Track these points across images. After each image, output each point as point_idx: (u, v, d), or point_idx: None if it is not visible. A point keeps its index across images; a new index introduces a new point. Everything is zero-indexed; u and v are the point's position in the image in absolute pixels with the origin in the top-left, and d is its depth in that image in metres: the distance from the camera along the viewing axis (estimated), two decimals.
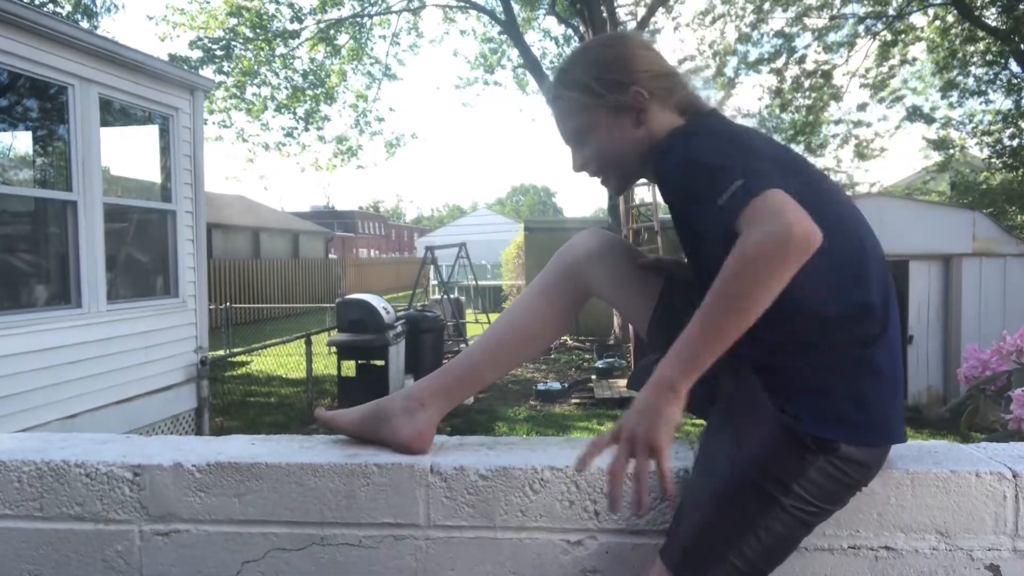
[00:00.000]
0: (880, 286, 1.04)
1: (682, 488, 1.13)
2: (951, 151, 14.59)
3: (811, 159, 15.68)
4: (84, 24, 12.32)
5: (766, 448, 1.00)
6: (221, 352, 9.95)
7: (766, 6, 13.71)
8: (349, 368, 7.78)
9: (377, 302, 7.70)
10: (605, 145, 1.19)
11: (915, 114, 14.39)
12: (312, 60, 14.79)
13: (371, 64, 15.61)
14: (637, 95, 1.14)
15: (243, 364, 10.70)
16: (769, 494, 0.99)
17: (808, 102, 14.57)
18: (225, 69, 13.51)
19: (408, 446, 1.23)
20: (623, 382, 9.00)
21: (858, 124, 15.39)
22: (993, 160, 14.40)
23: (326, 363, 9.30)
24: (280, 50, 14.15)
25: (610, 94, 1.15)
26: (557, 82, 1.22)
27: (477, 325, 13.37)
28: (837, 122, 15.54)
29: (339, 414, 1.32)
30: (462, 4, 14.83)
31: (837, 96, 14.58)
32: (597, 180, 1.26)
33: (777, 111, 14.45)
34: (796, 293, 0.93)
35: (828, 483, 1.00)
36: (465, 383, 1.28)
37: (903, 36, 13.81)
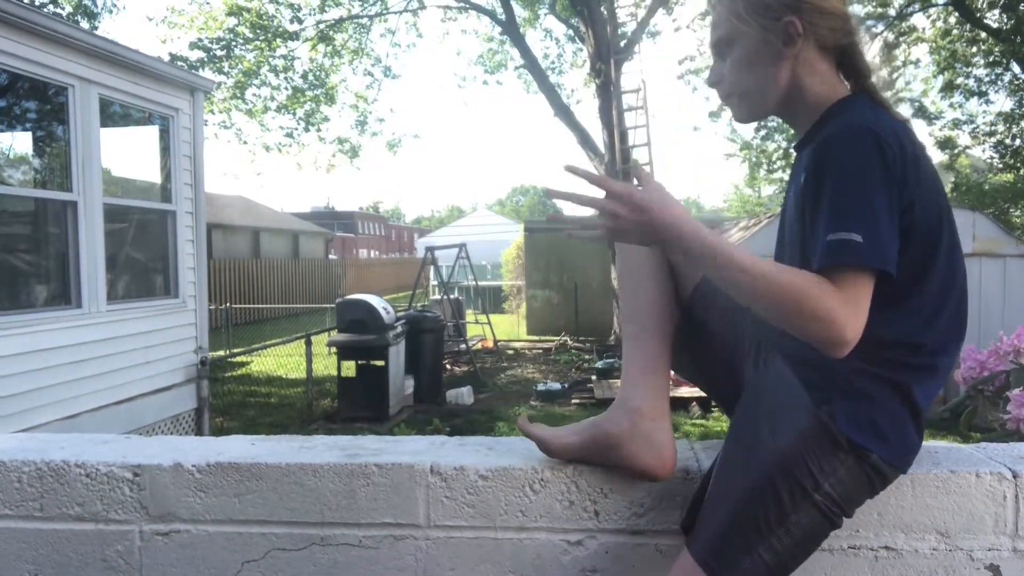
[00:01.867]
0: (943, 335, 1.03)
1: (709, 482, 1.11)
2: (955, 151, 14.59)
3: None
4: (84, 24, 12.32)
5: (802, 442, 1.00)
6: (221, 352, 9.95)
7: None
8: (349, 368, 7.78)
9: (377, 302, 7.70)
10: (741, 69, 1.11)
11: (920, 112, 14.37)
12: (312, 60, 14.79)
13: (372, 64, 15.62)
14: (790, 26, 1.05)
15: (243, 364, 10.69)
16: (802, 487, 0.99)
17: None
18: (225, 70, 13.51)
19: (654, 473, 1.12)
20: None
21: None
22: (994, 160, 14.40)
23: (326, 363, 9.30)
24: (280, 51, 14.16)
25: (759, 19, 1.07)
26: None
27: (477, 325, 13.36)
28: None
29: (553, 436, 1.18)
30: (462, 5, 14.84)
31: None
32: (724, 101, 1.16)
33: None
34: (875, 324, 0.97)
35: (854, 486, 1.00)
36: (665, 375, 1.17)
37: (904, 37, 13.80)
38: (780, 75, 1.08)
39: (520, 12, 14.66)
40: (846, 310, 0.91)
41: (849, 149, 0.96)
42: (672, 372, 1.20)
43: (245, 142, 14.85)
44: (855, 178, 0.95)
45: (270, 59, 14.01)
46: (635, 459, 1.11)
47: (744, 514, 1.00)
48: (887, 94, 1.15)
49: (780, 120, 1.24)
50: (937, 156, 15.44)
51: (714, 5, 1.14)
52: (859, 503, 1.03)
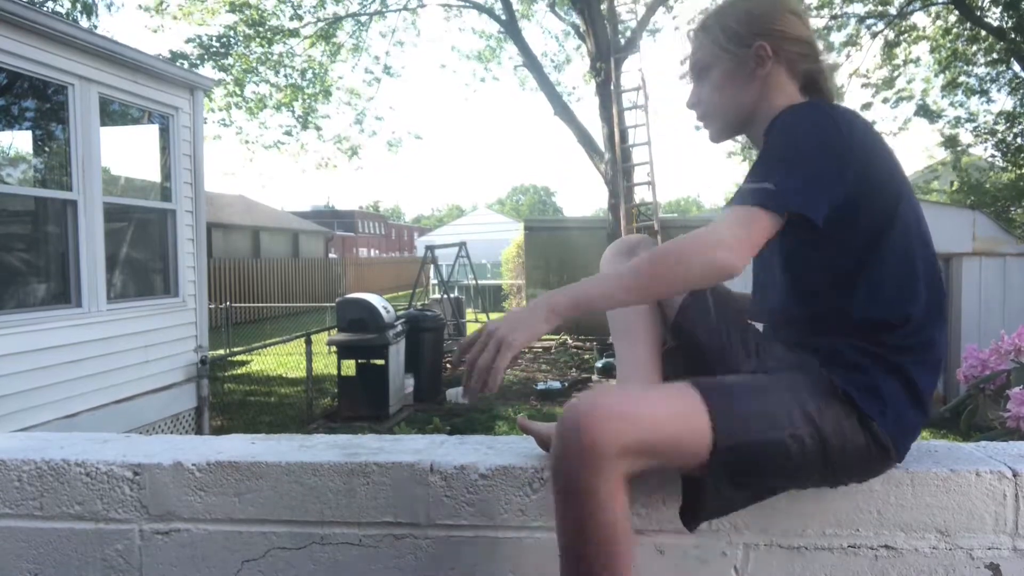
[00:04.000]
0: (926, 307, 1.08)
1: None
2: (959, 149, 14.59)
3: None
4: (83, 22, 12.30)
5: (810, 381, 1.05)
6: (221, 351, 9.95)
7: None
8: (349, 367, 7.78)
9: (377, 301, 7.70)
10: (716, 91, 1.23)
11: (924, 112, 14.35)
12: (310, 58, 14.76)
13: (372, 62, 15.60)
14: (760, 50, 1.18)
15: (243, 364, 10.69)
16: (808, 413, 1.02)
17: None
18: (225, 66, 13.48)
19: None
20: None
21: None
22: (996, 158, 14.39)
23: (326, 362, 9.30)
24: (279, 48, 14.13)
25: (734, 47, 1.20)
26: (700, 18, 1.27)
27: (477, 324, 13.36)
28: None
29: (550, 431, 1.18)
30: (462, 3, 14.82)
31: (839, 96, 14.54)
32: (699, 122, 1.28)
33: None
34: (853, 301, 1.06)
35: (844, 431, 1.02)
36: (657, 369, 1.25)
37: (905, 36, 13.79)
38: (750, 95, 1.20)
39: (518, 7, 14.63)
40: (732, 231, 0.99)
41: (791, 119, 1.08)
42: None
43: (246, 141, 14.81)
44: (790, 140, 1.06)
45: (268, 56, 13.98)
46: None
47: (759, 388, 1.05)
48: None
49: None
50: (940, 154, 15.44)
51: (694, 32, 1.26)
52: (848, 455, 1.03)
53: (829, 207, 1.03)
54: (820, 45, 1.23)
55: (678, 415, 0.99)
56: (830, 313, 1.10)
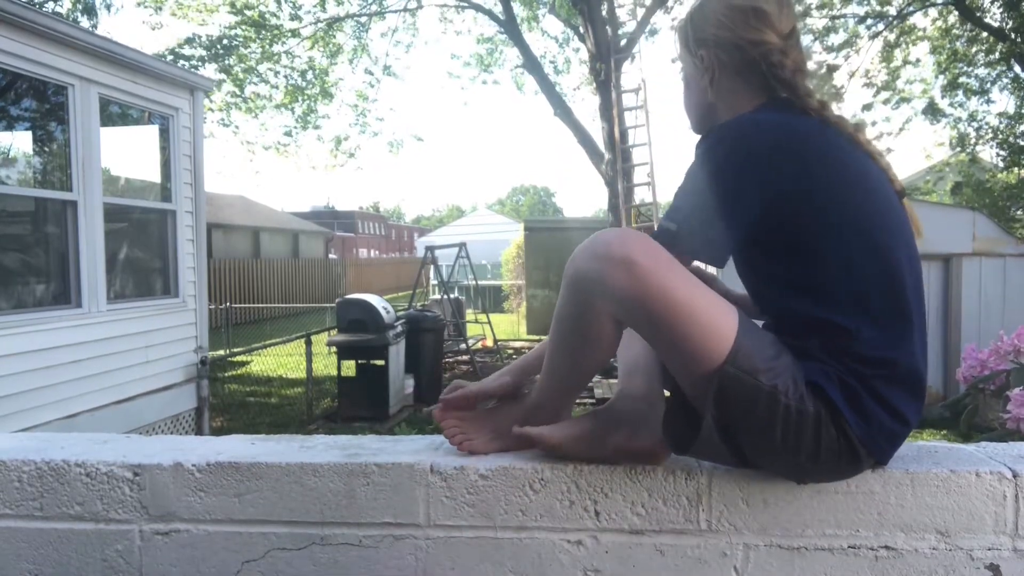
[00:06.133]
0: (879, 325, 1.04)
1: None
2: (967, 149, 14.58)
3: None
4: (84, 22, 12.29)
5: (798, 371, 1.05)
6: (221, 352, 9.95)
7: None
8: (349, 368, 7.78)
9: (377, 302, 7.70)
10: (685, 87, 1.30)
11: (931, 111, 14.33)
12: (310, 59, 14.76)
13: (374, 64, 15.59)
14: (703, 59, 1.21)
15: (243, 364, 10.69)
16: (799, 388, 1.03)
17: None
18: (225, 67, 13.47)
19: (652, 453, 1.15)
20: None
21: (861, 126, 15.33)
22: (1000, 157, 14.38)
23: (326, 363, 9.30)
24: (278, 48, 14.12)
25: (689, 52, 1.24)
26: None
27: (477, 325, 13.36)
28: None
29: (550, 430, 1.17)
30: (460, 4, 14.80)
31: (838, 96, 14.53)
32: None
33: None
34: (801, 305, 1.07)
35: (824, 434, 1.02)
36: (656, 369, 1.24)
37: (905, 37, 13.79)
38: (704, 99, 1.23)
39: (520, 12, 14.62)
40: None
41: (705, 147, 1.10)
42: None
43: (247, 142, 14.80)
44: (699, 172, 1.09)
45: (268, 56, 13.97)
46: (633, 441, 1.14)
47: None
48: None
49: None
50: (939, 155, 15.43)
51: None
52: (821, 445, 1.02)
53: (731, 244, 1.09)
54: (791, 41, 1.15)
55: (712, 306, 1.01)
56: (784, 314, 1.10)
